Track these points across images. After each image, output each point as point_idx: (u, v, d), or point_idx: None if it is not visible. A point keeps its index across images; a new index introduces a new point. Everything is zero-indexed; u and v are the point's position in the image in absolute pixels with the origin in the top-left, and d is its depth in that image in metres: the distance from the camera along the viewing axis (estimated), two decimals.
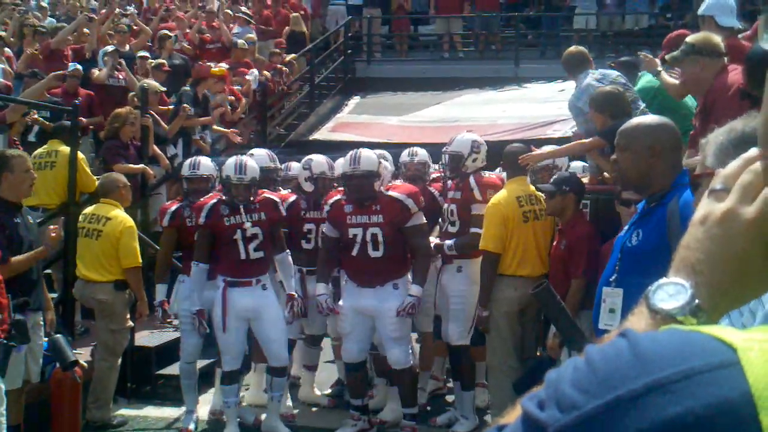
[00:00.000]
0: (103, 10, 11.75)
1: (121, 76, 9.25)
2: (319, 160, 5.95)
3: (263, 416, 5.60)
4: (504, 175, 5.45)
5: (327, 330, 6.07)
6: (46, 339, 4.97)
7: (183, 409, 5.78)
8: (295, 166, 6.22)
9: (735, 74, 4.29)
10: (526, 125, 10.49)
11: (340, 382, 6.40)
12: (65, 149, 6.64)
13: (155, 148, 7.99)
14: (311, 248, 5.87)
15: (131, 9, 12.62)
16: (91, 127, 8.49)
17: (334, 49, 14.37)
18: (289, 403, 5.89)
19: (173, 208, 5.73)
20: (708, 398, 0.59)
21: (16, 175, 4.83)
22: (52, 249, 4.91)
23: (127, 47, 10.16)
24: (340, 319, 5.37)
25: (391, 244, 5.19)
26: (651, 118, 3.07)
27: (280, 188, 6.07)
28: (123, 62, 9.33)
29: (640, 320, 0.80)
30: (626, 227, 3.00)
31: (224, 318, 5.24)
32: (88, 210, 5.93)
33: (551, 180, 4.91)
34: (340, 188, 5.55)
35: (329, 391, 6.33)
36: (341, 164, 6.05)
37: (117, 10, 11.98)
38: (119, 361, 5.83)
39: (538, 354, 5.16)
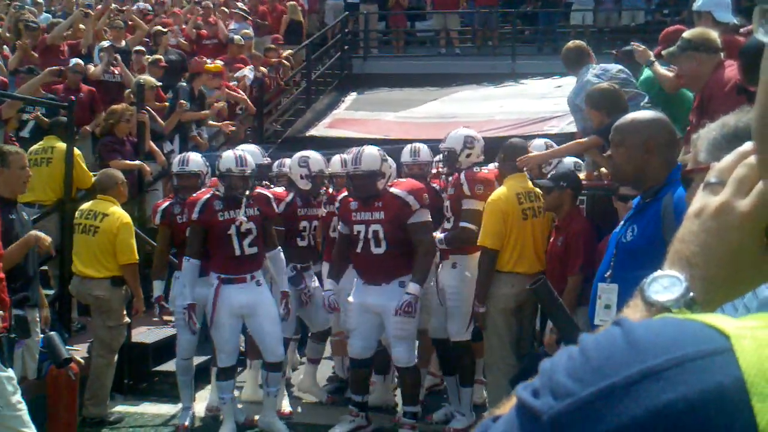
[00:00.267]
0: (99, 6, 11.74)
1: (116, 72, 9.24)
2: (316, 157, 5.95)
3: (256, 417, 5.60)
4: (493, 167, 5.44)
5: (331, 325, 6.08)
6: (42, 336, 4.96)
7: (179, 405, 5.78)
8: (287, 163, 6.20)
9: (731, 70, 4.30)
10: (523, 121, 10.49)
11: (336, 378, 6.42)
12: (61, 145, 6.63)
13: (152, 144, 7.98)
14: (305, 245, 5.88)
15: (141, 5, 12.59)
16: (87, 128, 8.46)
17: (330, 45, 14.36)
18: (285, 400, 5.89)
19: (164, 205, 5.74)
20: (701, 385, 0.59)
21: (12, 171, 4.83)
22: (44, 253, 4.89)
23: (123, 43, 10.14)
24: (347, 315, 5.37)
25: (392, 241, 5.17)
26: (645, 114, 3.07)
27: (269, 184, 6.07)
28: (119, 58, 9.32)
29: (635, 312, 0.81)
30: (621, 223, 3.01)
31: (213, 314, 5.24)
32: (85, 206, 5.92)
33: (548, 176, 4.92)
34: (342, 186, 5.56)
35: (326, 383, 6.35)
36: (337, 161, 6.07)
37: (113, 5, 11.95)
38: (116, 357, 5.84)
39: (534, 350, 5.16)
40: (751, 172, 0.80)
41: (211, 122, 9.19)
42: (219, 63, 9.94)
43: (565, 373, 0.64)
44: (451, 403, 5.65)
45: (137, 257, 5.81)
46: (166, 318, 5.91)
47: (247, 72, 10.71)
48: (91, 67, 9.17)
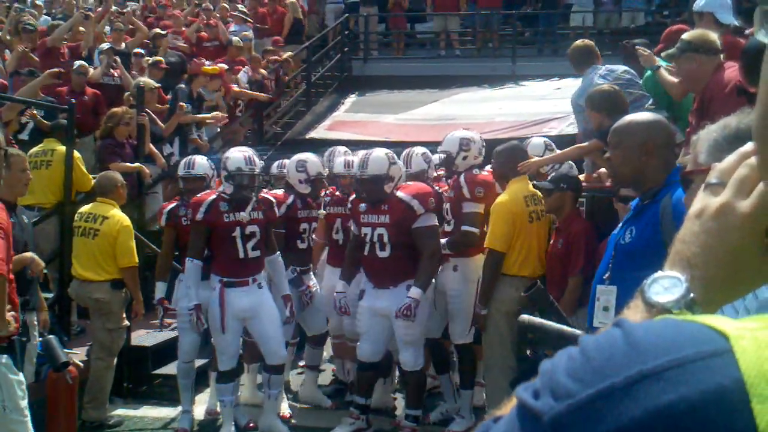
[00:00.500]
0: (99, 8, 11.75)
1: (116, 74, 9.24)
2: (313, 160, 5.94)
3: (257, 420, 5.59)
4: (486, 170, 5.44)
5: (328, 329, 6.08)
6: (40, 339, 4.96)
7: (179, 408, 5.78)
8: (287, 164, 6.18)
9: (731, 71, 4.30)
10: (523, 123, 10.49)
11: (336, 380, 6.41)
12: (61, 148, 6.63)
13: (151, 146, 7.98)
14: (305, 248, 5.88)
15: (133, 5, 12.60)
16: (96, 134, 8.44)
17: (330, 48, 14.37)
18: (285, 404, 5.88)
19: (170, 207, 5.73)
20: (701, 386, 0.59)
21: (13, 173, 4.82)
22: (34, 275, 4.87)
23: (123, 45, 10.15)
24: (358, 318, 5.37)
25: (396, 245, 5.16)
26: (643, 116, 3.06)
27: (266, 187, 6.08)
28: (118, 60, 9.32)
29: (636, 314, 0.81)
30: (620, 224, 3.00)
31: (223, 319, 5.22)
32: (84, 209, 5.92)
33: (549, 177, 4.91)
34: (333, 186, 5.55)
35: (327, 384, 6.35)
36: (341, 163, 6.07)
37: (113, 8, 11.97)
38: (115, 360, 5.83)
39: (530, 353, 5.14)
40: (752, 172, 0.80)
41: (203, 117, 9.18)
42: (223, 66, 9.95)
43: (565, 374, 0.64)
44: (446, 401, 5.65)
45: (137, 260, 5.81)
46: (168, 321, 5.89)
47: (241, 74, 10.71)
48: (91, 70, 9.17)
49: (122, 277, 5.71)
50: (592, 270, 4.03)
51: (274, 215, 5.49)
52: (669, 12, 14.42)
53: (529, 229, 4.99)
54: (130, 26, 11.00)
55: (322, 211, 5.99)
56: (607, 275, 2.87)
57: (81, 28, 10.30)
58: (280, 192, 5.95)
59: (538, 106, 11.24)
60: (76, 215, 5.94)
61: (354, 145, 7.56)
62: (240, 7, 13.35)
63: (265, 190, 5.83)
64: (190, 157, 5.97)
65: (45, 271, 6.35)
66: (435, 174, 5.89)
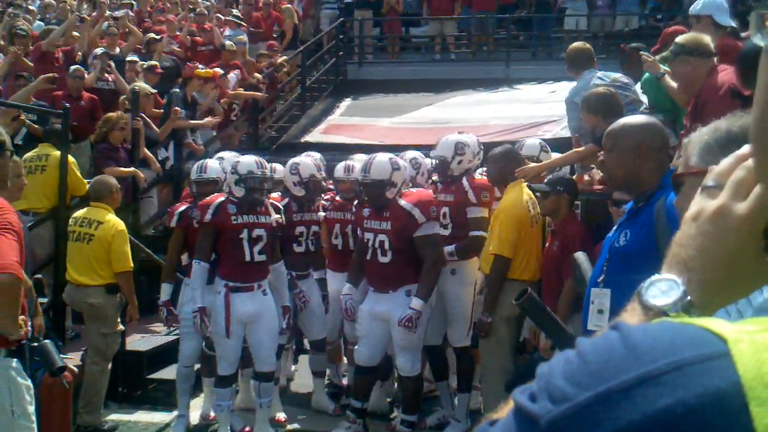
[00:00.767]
0: (94, 13, 11.73)
1: (110, 79, 9.23)
2: (306, 162, 5.92)
3: (252, 425, 5.57)
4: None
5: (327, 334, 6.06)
6: (35, 344, 4.93)
7: (174, 413, 5.76)
8: (278, 168, 6.18)
9: (725, 74, 4.31)
10: (518, 126, 10.51)
11: (331, 384, 6.39)
12: (56, 153, 6.62)
13: (146, 151, 7.97)
14: (302, 251, 5.87)
15: (123, 12, 12.58)
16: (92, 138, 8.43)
17: (325, 51, 14.38)
18: (279, 407, 5.87)
19: (182, 209, 5.70)
20: (699, 389, 0.59)
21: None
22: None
23: (117, 50, 10.13)
24: (357, 322, 5.36)
25: (398, 251, 5.16)
26: (637, 118, 3.07)
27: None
28: (113, 65, 9.31)
29: (633, 316, 0.81)
30: (614, 227, 3.00)
31: (227, 324, 5.21)
32: (79, 213, 5.90)
33: (545, 180, 4.91)
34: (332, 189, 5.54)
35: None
36: (341, 168, 6.06)
37: (107, 12, 11.95)
38: (110, 365, 5.81)
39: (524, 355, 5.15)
40: (748, 175, 0.80)
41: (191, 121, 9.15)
42: (218, 70, 9.94)
43: (562, 377, 0.64)
44: (443, 408, 5.64)
45: (132, 265, 5.79)
46: (173, 325, 5.84)
47: (231, 76, 10.71)
48: (85, 75, 9.15)
49: (117, 281, 5.69)
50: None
51: (281, 220, 5.52)
52: (663, 15, 14.48)
53: (531, 233, 5.00)
54: (124, 30, 10.98)
55: (321, 213, 5.96)
56: (601, 278, 2.87)
57: (75, 33, 10.29)
58: (275, 195, 5.94)
59: (533, 110, 11.26)
60: (70, 220, 5.93)
61: (349, 149, 7.56)
62: (234, 11, 13.34)
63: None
64: (202, 161, 5.92)
65: (39, 275, 6.35)
66: (427, 179, 5.86)
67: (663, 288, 0.80)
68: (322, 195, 6.13)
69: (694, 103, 4.42)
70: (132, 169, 7.45)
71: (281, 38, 13.59)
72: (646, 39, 10.41)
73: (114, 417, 5.93)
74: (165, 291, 5.61)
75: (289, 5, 13.96)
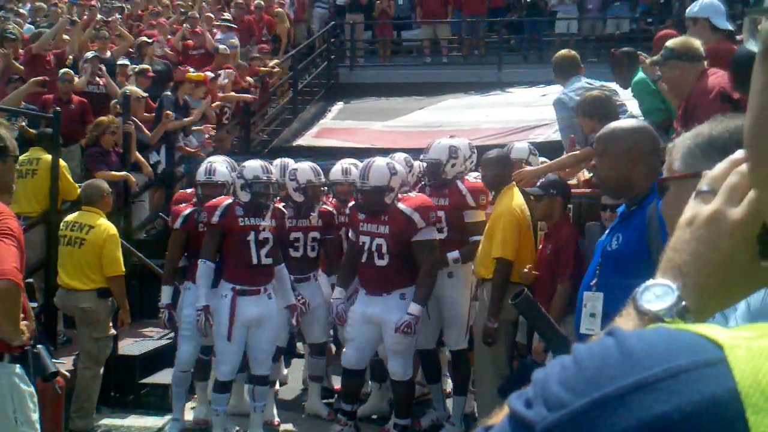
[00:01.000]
0: (85, 16, 11.70)
1: (101, 83, 9.20)
2: (303, 168, 5.91)
3: (246, 429, 5.56)
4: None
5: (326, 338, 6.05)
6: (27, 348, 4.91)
7: (167, 417, 5.74)
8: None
9: (715, 78, 4.33)
10: (509, 129, 10.53)
11: (325, 389, 6.38)
12: (47, 157, 6.59)
13: (138, 155, 7.94)
14: (299, 256, 5.85)
15: (116, 16, 12.57)
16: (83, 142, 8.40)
17: (317, 55, 14.38)
18: (274, 411, 5.86)
19: (187, 211, 5.66)
20: (695, 396, 0.59)
21: None
22: None
23: (108, 54, 10.11)
24: (347, 324, 5.35)
25: (395, 255, 5.15)
26: (628, 122, 3.08)
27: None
28: (103, 68, 9.28)
29: (628, 321, 0.81)
30: (607, 231, 3.01)
31: (230, 328, 5.20)
32: (70, 218, 5.88)
33: (538, 184, 4.91)
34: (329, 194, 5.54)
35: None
36: (338, 170, 6.06)
37: (98, 16, 11.92)
38: (102, 369, 5.79)
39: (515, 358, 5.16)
40: (742, 180, 0.80)
41: (194, 127, 9.14)
42: (209, 74, 9.93)
43: (558, 383, 0.64)
44: (436, 410, 5.64)
45: (123, 269, 5.77)
46: (172, 326, 5.77)
47: (222, 76, 10.71)
48: (76, 78, 9.12)
49: (108, 286, 5.67)
50: (580, 276, 4.06)
51: (284, 224, 5.54)
52: (653, 19, 14.54)
53: (528, 235, 5.03)
54: (114, 34, 10.96)
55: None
56: (594, 282, 2.88)
57: (66, 36, 10.26)
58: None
59: (525, 113, 11.28)
60: (61, 224, 5.90)
61: (341, 152, 7.56)
62: (226, 14, 13.33)
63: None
64: (210, 163, 5.87)
65: (30, 279, 6.32)
66: (415, 182, 5.84)
67: (658, 293, 0.80)
68: (322, 200, 6.07)
69: (684, 107, 4.44)
70: (123, 173, 7.42)
71: (272, 42, 13.59)
72: (637, 42, 10.47)
73: (106, 422, 5.90)
74: (166, 293, 5.57)
75: (281, 9, 13.96)
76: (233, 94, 10.53)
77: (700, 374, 0.60)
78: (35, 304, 6.17)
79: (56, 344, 6.32)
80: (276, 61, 12.57)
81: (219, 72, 10.46)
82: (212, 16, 12.82)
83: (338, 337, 6.04)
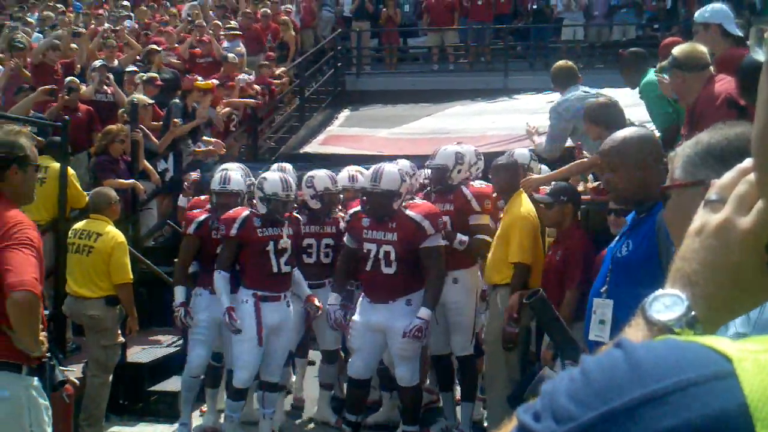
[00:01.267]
0: (92, 25, 11.76)
1: (109, 92, 9.23)
2: (321, 175, 5.91)
3: None
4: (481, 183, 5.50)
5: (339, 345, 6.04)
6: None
7: (175, 425, 5.74)
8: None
9: (721, 84, 4.32)
10: (516, 136, 10.49)
11: (335, 398, 6.37)
12: (56, 165, 6.62)
13: (146, 163, 7.97)
14: (312, 262, 5.86)
15: (127, 23, 12.63)
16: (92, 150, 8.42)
17: (324, 62, 14.41)
18: (283, 418, 5.86)
19: (202, 217, 5.66)
20: (704, 410, 0.59)
21: None
22: None
23: (116, 62, 10.15)
24: (350, 334, 5.34)
25: (403, 262, 5.15)
26: (633, 132, 3.06)
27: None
28: (111, 77, 9.32)
29: (637, 332, 0.80)
30: (617, 238, 3.01)
31: (260, 332, 5.22)
32: (78, 225, 5.89)
33: (548, 191, 4.91)
34: (358, 198, 5.50)
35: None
36: (345, 176, 6.07)
37: (106, 25, 11.98)
38: (111, 377, 5.79)
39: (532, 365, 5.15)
40: (751, 189, 0.80)
41: (205, 138, 9.16)
42: (215, 81, 9.96)
43: (566, 396, 0.64)
44: (447, 419, 5.63)
45: (131, 276, 5.79)
46: (185, 325, 5.74)
47: (241, 78, 10.81)
48: (83, 87, 9.16)
49: (117, 293, 5.68)
50: (588, 284, 4.05)
51: (300, 231, 5.57)
52: (659, 25, 14.53)
53: (539, 241, 5.06)
54: (121, 43, 11.01)
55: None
56: (604, 288, 2.87)
57: (73, 45, 10.31)
58: None
59: (531, 120, 11.23)
60: (70, 232, 5.92)
61: (348, 159, 7.57)
62: (232, 22, 13.37)
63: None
64: (225, 172, 5.85)
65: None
66: (417, 189, 5.84)
67: (667, 303, 0.79)
68: (337, 208, 6.07)
69: (690, 113, 4.43)
70: (131, 180, 7.45)
71: (279, 49, 13.62)
72: (643, 49, 10.42)
73: (115, 429, 5.91)
74: (180, 293, 5.55)
75: (286, 17, 14.00)
76: (237, 99, 10.55)
77: (710, 388, 0.60)
78: (46, 312, 6.17)
79: (65, 352, 6.33)
80: (283, 69, 12.60)
81: (231, 87, 10.54)
82: (219, 24, 12.88)
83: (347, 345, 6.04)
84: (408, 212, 5.16)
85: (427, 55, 15.69)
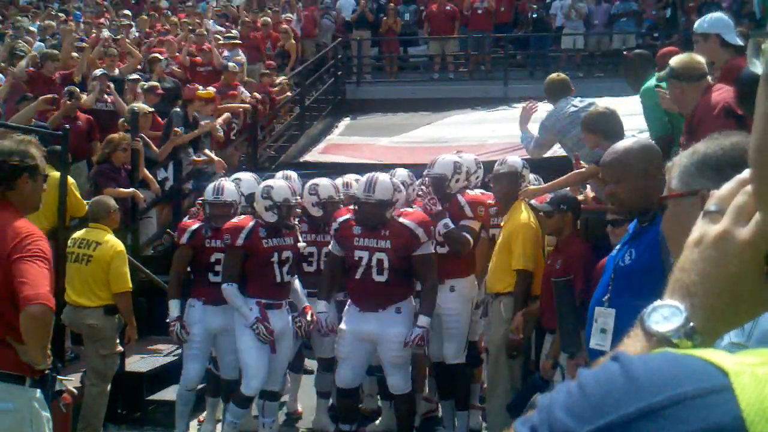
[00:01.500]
0: (93, 34, 11.80)
1: (109, 101, 9.25)
2: (325, 184, 5.92)
3: None
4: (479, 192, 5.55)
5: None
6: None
7: None
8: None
9: (719, 93, 4.33)
10: (515, 145, 10.48)
11: (333, 407, 6.36)
12: (56, 174, 6.60)
13: (145, 171, 7.97)
14: (313, 271, 5.85)
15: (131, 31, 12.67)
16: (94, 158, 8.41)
17: (324, 71, 14.45)
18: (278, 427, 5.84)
19: (194, 227, 5.65)
20: (700, 424, 0.58)
21: None
22: None
23: (117, 71, 10.17)
24: (338, 343, 5.33)
25: (396, 270, 5.15)
26: (633, 143, 3.06)
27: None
28: (112, 86, 9.33)
29: (636, 343, 0.80)
30: (618, 246, 3.00)
31: (273, 339, 5.22)
32: (77, 234, 5.89)
33: (546, 200, 4.92)
34: (349, 206, 5.50)
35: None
36: (340, 185, 6.07)
37: (107, 33, 12.01)
38: (109, 386, 5.78)
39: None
40: (750, 200, 0.80)
41: (207, 151, 9.15)
42: (211, 90, 9.97)
43: (563, 410, 0.64)
44: (446, 427, 5.62)
45: (131, 285, 5.78)
46: (182, 339, 5.73)
47: (242, 92, 10.82)
48: (83, 96, 9.17)
49: (116, 302, 5.68)
50: (588, 293, 4.05)
51: (297, 240, 5.57)
52: (659, 34, 14.56)
53: (539, 250, 5.07)
54: (123, 51, 11.04)
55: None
56: (606, 297, 2.86)
57: (75, 54, 10.33)
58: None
59: (531, 129, 11.25)
60: (69, 241, 5.91)
61: (348, 168, 7.57)
62: (233, 31, 13.42)
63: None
64: (218, 182, 5.86)
65: None
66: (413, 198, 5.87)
67: (665, 314, 0.79)
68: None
69: (689, 123, 4.44)
70: (131, 189, 7.45)
71: (279, 57, 13.65)
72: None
73: None
74: (174, 307, 5.55)
75: (287, 26, 14.05)
76: (232, 105, 10.52)
77: (706, 402, 0.59)
78: None
79: (63, 361, 6.31)
80: (283, 77, 12.63)
81: (233, 96, 10.56)
82: (221, 31, 12.91)
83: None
84: (401, 220, 5.17)
85: (427, 64, 15.74)
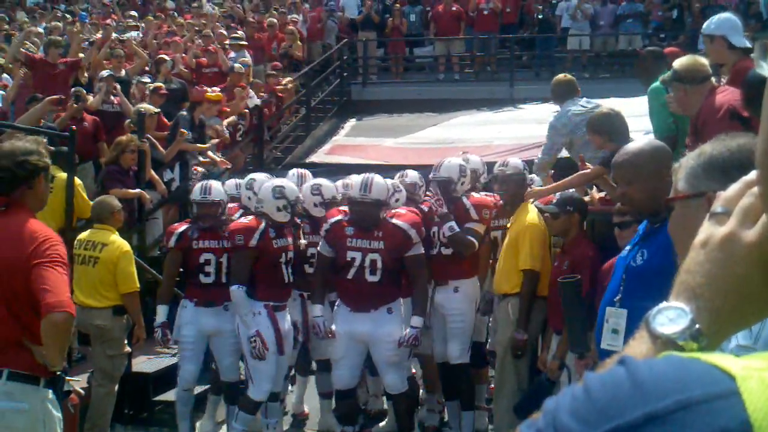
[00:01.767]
0: (100, 35, 11.82)
1: (116, 102, 9.26)
2: (328, 185, 5.93)
3: None
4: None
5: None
6: None
7: None
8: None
9: (724, 95, 4.32)
10: (521, 146, 10.50)
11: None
12: (62, 175, 6.62)
13: (152, 172, 7.98)
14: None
15: (133, 34, 12.69)
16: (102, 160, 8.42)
17: (330, 72, 14.45)
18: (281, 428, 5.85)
19: (180, 229, 5.67)
20: (707, 429, 0.58)
21: None
22: None
23: (123, 72, 10.19)
24: (332, 344, 5.33)
25: (388, 270, 5.17)
26: (644, 144, 3.05)
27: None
28: (118, 87, 9.35)
29: (641, 345, 0.80)
30: (628, 247, 2.99)
31: (280, 342, 5.22)
32: (83, 236, 5.89)
33: (554, 201, 4.92)
34: (340, 207, 5.50)
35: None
36: (341, 186, 6.07)
37: (114, 35, 12.03)
38: (116, 386, 5.79)
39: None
40: (757, 201, 0.80)
41: (210, 154, 9.17)
42: (218, 90, 9.99)
43: (569, 414, 0.64)
44: (452, 428, 5.62)
45: (138, 285, 5.79)
46: (163, 349, 5.82)
47: (249, 96, 10.82)
48: (90, 98, 9.19)
49: (123, 303, 5.69)
50: (594, 294, 4.04)
51: (299, 238, 5.60)
52: (665, 35, 14.53)
53: (546, 251, 5.08)
54: (130, 52, 11.06)
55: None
56: (617, 298, 2.86)
57: (81, 54, 10.35)
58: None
59: (537, 129, 11.19)
60: (75, 243, 5.92)
61: (354, 169, 7.57)
62: (239, 32, 13.43)
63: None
64: (206, 182, 5.87)
65: None
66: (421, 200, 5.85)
67: (671, 316, 0.79)
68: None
69: (694, 125, 4.44)
70: (138, 190, 7.46)
71: (284, 58, 13.66)
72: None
73: None
74: (161, 313, 5.60)
75: (293, 27, 14.05)
76: (234, 102, 10.53)
77: (712, 407, 0.59)
78: None
79: (71, 362, 6.33)
80: (289, 79, 12.64)
81: (244, 91, 10.58)
82: (225, 33, 12.93)
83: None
84: (394, 221, 5.19)
85: (432, 65, 15.73)
